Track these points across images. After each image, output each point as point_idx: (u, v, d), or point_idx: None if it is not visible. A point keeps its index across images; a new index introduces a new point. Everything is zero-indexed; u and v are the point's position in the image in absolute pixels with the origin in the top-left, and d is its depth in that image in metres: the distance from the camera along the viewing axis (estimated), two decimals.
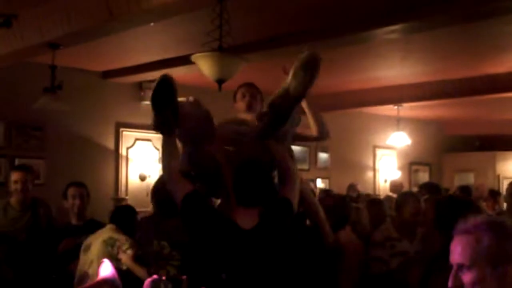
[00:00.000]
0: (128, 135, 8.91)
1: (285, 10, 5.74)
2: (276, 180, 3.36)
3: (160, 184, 4.10)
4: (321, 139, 3.99)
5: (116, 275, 2.98)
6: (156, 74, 8.03)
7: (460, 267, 2.09)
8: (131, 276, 4.10)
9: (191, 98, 3.49)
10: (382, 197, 8.67)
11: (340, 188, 9.64)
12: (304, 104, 3.76)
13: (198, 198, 3.12)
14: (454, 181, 13.74)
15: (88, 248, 4.53)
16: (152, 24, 5.53)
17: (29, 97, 7.22)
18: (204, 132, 3.43)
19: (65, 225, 5.30)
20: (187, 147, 3.51)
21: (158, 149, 9.08)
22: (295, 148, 4.04)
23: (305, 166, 11.05)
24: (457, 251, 2.11)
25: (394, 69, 8.65)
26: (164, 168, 3.35)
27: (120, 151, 8.84)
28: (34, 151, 7.93)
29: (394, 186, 11.07)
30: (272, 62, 7.45)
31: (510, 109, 11.45)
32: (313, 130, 3.88)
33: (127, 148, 8.92)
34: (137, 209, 8.11)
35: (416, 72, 8.76)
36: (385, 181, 12.80)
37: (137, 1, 4.82)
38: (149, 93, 7.64)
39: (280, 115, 3.27)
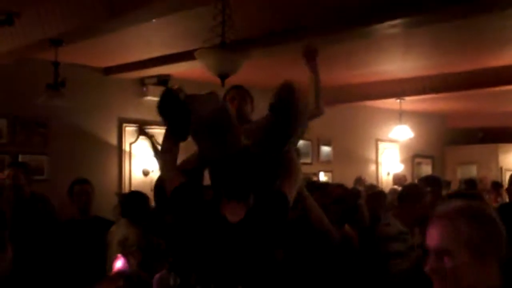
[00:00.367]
0: (131, 131, 8.93)
1: (287, 5, 5.75)
2: (273, 172, 3.31)
3: (158, 182, 4.14)
4: (318, 114, 3.96)
5: (129, 268, 3.03)
6: (158, 70, 8.18)
7: (437, 252, 2.02)
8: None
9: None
10: (385, 190, 8.69)
11: (343, 182, 9.64)
12: (310, 77, 3.77)
13: (188, 191, 3.08)
14: (457, 173, 13.78)
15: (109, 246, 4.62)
16: (154, 20, 5.54)
17: (32, 94, 7.25)
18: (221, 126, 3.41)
19: (69, 220, 5.33)
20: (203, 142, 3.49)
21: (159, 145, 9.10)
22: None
23: (308, 160, 11.07)
24: (434, 235, 2.04)
25: (396, 63, 8.66)
26: (159, 159, 3.37)
27: (123, 147, 8.86)
28: (37, 147, 7.96)
29: (397, 179, 11.10)
30: (274, 57, 7.49)
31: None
32: (310, 104, 3.84)
33: (130, 144, 8.94)
34: None
35: (418, 66, 8.77)
36: (388, 174, 12.83)
37: None
38: (152, 89, 7.70)
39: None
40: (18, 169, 5.35)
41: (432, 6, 5.37)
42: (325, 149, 11.70)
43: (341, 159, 11.84)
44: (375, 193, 6.29)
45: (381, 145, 12.93)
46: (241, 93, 3.92)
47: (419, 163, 13.93)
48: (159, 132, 9.04)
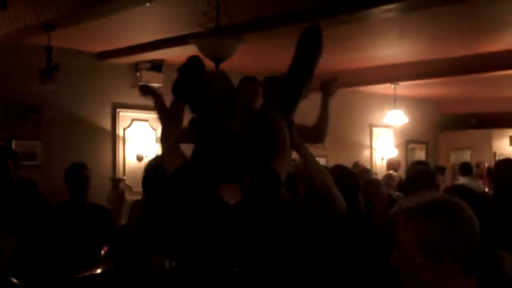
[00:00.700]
0: (124, 116, 8.90)
1: None
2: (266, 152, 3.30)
3: (155, 162, 4.11)
4: (318, 141, 3.99)
5: None
6: (152, 55, 8.14)
7: (396, 246, 2.01)
8: None
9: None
10: (380, 175, 8.69)
11: None
12: (322, 101, 3.76)
13: (188, 172, 3.08)
14: (451, 159, 13.81)
15: None
16: (148, 4, 5.50)
17: (25, 79, 7.21)
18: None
19: (64, 204, 5.28)
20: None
21: (155, 129, 9.08)
22: None
23: None
24: (398, 230, 2.02)
25: (391, 48, 8.64)
26: (162, 140, 3.35)
27: (117, 132, 8.83)
28: (30, 133, 7.92)
29: (391, 164, 11.10)
30: (269, 42, 7.45)
31: (506, 87, 11.47)
32: (315, 128, 3.85)
33: (124, 129, 8.92)
34: (134, 190, 8.24)
35: (413, 50, 8.75)
36: (382, 159, 12.83)
37: None
38: (146, 74, 7.61)
39: (290, 94, 3.29)
40: (5, 155, 5.33)
41: None
42: None
43: (335, 145, 11.80)
44: (371, 180, 6.23)
45: (375, 131, 12.93)
46: (253, 86, 3.87)
47: (413, 149, 13.95)
48: (153, 117, 9.05)
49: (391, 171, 9.97)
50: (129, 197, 7.92)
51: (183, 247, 3.23)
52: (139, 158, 8.94)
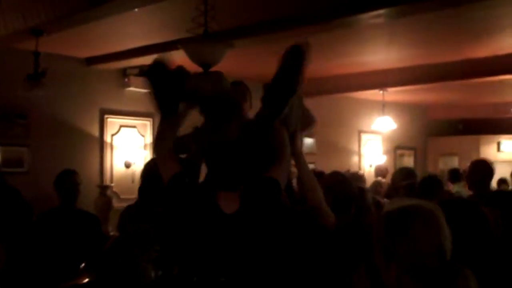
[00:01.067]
0: (112, 122, 8.86)
1: None
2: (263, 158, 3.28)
3: (150, 167, 4.08)
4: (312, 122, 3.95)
5: None
6: (140, 60, 8.10)
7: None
8: None
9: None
10: (368, 181, 8.69)
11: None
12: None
13: (184, 180, 3.05)
14: (439, 165, 13.85)
15: None
16: (136, 9, 5.49)
17: (13, 84, 7.17)
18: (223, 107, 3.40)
19: (53, 210, 5.24)
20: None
21: (143, 136, 9.06)
22: None
23: None
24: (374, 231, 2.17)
25: (379, 53, 8.66)
26: (156, 147, 3.33)
27: (104, 138, 8.78)
28: (18, 139, 7.86)
29: (379, 171, 11.11)
30: (257, 47, 7.45)
31: (493, 93, 11.53)
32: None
33: (112, 135, 8.87)
34: (122, 197, 8.20)
35: (401, 56, 8.78)
36: (370, 166, 12.83)
37: None
38: (134, 80, 7.59)
39: (274, 109, 3.26)
40: None
41: None
42: (308, 140, 11.67)
43: (324, 151, 11.83)
44: (358, 187, 6.24)
45: (364, 137, 12.95)
46: (241, 90, 3.87)
47: (401, 155, 13.97)
48: (141, 123, 9.03)
49: (379, 178, 9.99)
50: (117, 204, 7.89)
51: (172, 255, 3.20)
52: (127, 165, 8.90)
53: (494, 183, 7.22)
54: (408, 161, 13.78)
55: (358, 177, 7.88)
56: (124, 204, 4.88)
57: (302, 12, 6.03)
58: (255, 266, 2.97)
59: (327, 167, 10.52)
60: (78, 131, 8.46)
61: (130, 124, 8.94)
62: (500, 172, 10.00)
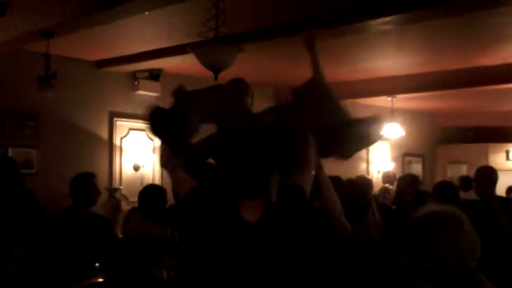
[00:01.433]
0: (122, 125, 8.89)
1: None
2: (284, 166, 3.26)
3: None
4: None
5: None
6: (150, 64, 8.14)
7: None
8: None
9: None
10: (376, 188, 8.67)
11: None
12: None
13: (202, 192, 3.01)
14: (447, 172, 13.81)
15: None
16: (147, 13, 5.51)
17: (23, 86, 7.22)
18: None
19: (62, 210, 5.23)
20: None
21: (152, 139, 9.08)
22: None
23: None
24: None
25: (388, 60, 8.65)
26: (165, 164, 3.27)
27: (114, 141, 8.82)
28: (27, 140, 7.89)
29: (387, 177, 11.09)
30: (268, 51, 7.47)
31: (503, 101, 11.49)
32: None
33: (121, 138, 8.90)
34: (131, 199, 8.21)
35: (410, 63, 8.77)
36: (379, 172, 12.82)
37: None
38: (143, 83, 7.58)
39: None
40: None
41: (425, 3, 5.37)
42: None
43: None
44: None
45: None
46: (243, 87, 3.90)
47: (409, 162, 13.95)
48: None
49: (387, 184, 9.97)
50: (125, 207, 7.90)
51: (194, 261, 3.16)
52: (136, 168, 8.93)
53: (502, 191, 7.20)
54: (417, 168, 13.75)
55: (365, 181, 7.89)
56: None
57: (311, 17, 6.03)
58: (277, 273, 2.91)
59: (335, 174, 10.50)
60: (87, 134, 8.49)
61: (139, 127, 8.95)
62: (509, 181, 9.99)
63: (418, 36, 7.10)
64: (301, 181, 3.07)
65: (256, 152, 3.00)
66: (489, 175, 5.31)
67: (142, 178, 8.76)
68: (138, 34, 6.93)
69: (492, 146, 13.67)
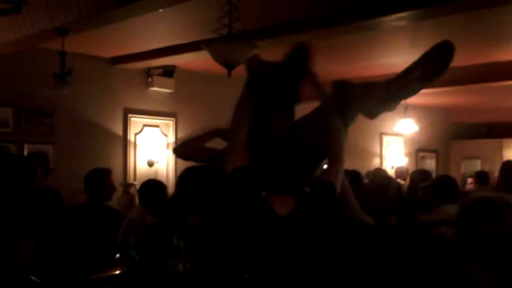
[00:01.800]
0: (136, 121, 8.95)
1: None
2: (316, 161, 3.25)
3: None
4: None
5: None
6: (164, 61, 8.18)
7: None
8: None
9: None
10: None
11: None
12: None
13: (245, 175, 2.93)
14: (461, 168, 13.77)
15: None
16: (161, 10, 5.54)
17: (39, 83, 7.28)
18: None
19: (78, 205, 5.29)
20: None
21: (166, 135, 9.13)
22: None
23: None
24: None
25: (402, 56, 8.59)
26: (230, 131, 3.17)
27: (128, 137, 8.88)
28: (43, 137, 7.98)
29: (400, 173, 11.07)
30: (281, 48, 7.47)
31: None
32: None
33: (135, 134, 8.96)
34: None
35: None
36: (392, 167, 12.79)
37: None
38: (157, 80, 7.58)
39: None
40: (35, 161, 5.39)
41: None
42: None
43: (346, 152, 11.79)
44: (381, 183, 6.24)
45: (386, 139, 12.92)
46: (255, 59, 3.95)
47: (423, 157, 13.93)
48: (164, 123, 9.11)
49: (399, 180, 9.94)
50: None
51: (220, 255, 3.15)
52: (150, 164, 8.99)
53: None
54: (430, 164, 13.73)
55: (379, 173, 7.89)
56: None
57: (325, 13, 6.04)
58: (307, 267, 2.88)
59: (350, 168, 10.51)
60: (102, 130, 8.56)
61: (153, 124, 9.02)
62: None
63: (432, 32, 7.07)
64: (331, 177, 3.07)
65: (292, 147, 2.96)
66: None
67: (156, 174, 8.80)
68: (152, 31, 6.97)
69: (505, 141, 13.62)
